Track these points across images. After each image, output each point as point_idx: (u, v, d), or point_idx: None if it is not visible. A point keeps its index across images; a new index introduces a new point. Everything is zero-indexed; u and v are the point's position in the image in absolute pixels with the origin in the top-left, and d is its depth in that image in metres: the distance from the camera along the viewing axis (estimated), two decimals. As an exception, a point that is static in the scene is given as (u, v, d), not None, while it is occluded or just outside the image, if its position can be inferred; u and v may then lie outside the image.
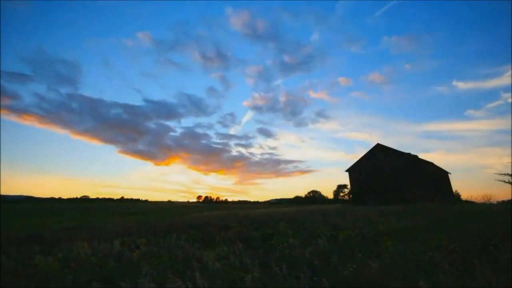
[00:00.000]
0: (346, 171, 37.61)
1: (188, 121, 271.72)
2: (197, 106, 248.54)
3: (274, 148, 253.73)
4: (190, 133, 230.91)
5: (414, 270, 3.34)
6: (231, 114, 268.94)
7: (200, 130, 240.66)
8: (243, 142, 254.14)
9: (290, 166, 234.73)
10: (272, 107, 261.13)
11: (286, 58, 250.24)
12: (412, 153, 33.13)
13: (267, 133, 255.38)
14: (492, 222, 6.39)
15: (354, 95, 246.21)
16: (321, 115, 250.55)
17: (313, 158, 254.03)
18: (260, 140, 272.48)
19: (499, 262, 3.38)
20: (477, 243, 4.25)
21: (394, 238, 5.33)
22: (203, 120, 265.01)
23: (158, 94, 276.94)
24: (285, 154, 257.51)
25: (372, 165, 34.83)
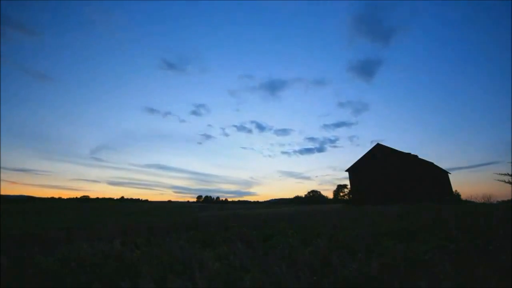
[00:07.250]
0: (346, 171, 37.60)
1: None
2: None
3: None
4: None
5: (414, 270, 3.34)
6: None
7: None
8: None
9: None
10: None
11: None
12: (412, 153, 33.17)
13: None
14: (492, 222, 6.39)
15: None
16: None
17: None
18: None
19: (500, 262, 3.38)
20: (477, 243, 4.25)
21: (394, 238, 5.33)
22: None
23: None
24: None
25: (372, 165, 34.84)
